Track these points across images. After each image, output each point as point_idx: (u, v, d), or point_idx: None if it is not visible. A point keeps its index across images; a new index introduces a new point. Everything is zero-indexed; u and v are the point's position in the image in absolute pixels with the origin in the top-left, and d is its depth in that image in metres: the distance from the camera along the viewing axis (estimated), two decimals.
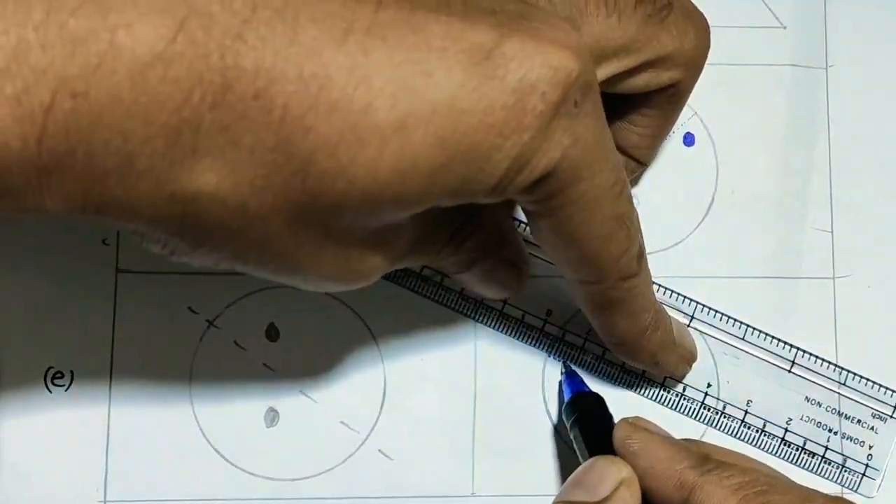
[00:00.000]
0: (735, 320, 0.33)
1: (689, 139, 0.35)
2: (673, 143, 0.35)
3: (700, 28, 0.29)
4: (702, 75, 0.34)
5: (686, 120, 0.35)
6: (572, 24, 0.26)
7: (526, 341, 0.33)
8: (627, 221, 0.26)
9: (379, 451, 0.32)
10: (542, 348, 0.33)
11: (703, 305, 0.33)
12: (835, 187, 0.34)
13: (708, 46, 0.30)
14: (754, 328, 0.33)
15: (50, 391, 0.32)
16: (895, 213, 0.34)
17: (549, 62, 0.22)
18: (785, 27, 0.35)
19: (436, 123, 0.21)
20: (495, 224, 0.29)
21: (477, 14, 0.22)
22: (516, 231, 0.31)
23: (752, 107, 0.35)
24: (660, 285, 0.33)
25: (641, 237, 0.27)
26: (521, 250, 0.30)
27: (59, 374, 0.32)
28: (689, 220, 0.34)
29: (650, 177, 0.34)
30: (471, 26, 0.21)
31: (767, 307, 0.33)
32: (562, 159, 0.23)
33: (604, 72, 0.28)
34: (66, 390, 0.32)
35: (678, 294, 0.33)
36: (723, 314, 0.33)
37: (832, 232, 0.34)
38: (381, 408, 0.33)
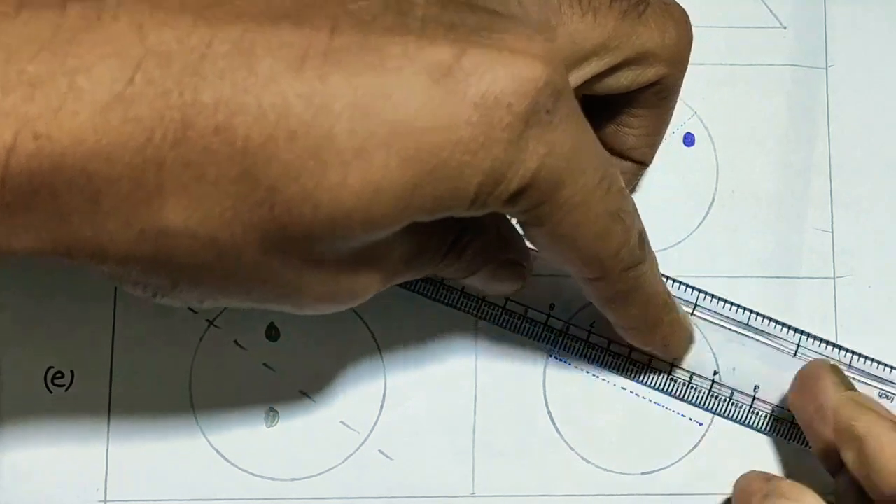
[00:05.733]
0: (738, 306, 0.33)
1: (689, 139, 0.35)
2: (673, 143, 0.35)
3: (679, 21, 0.29)
4: (702, 75, 0.35)
5: (686, 120, 0.35)
6: (545, 28, 0.26)
7: (529, 336, 0.33)
8: (622, 214, 0.25)
9: (379, 451, 0.32)
10: (546, 342, 0.33)
11: (706, 293, 0.33)
12: (835, 187, 0.34)
13: (690, 39, 0.29)
14: (758, 313, 0.33)
15: (50, 391, 0.32)
16: (895, 213, 0.34)
17: (512, 73, 0.21)
18: (785, 27, 0.35)
19: (397, 145, 0.21)
20: (495, 229, 0.29)
21: (435, 30, 0.21)
22: (516, 231, 0.31)
23: (752, 107, 0.35)
24: (663, 275, 0.33)
25: (641, 222, 0.27)
26: (522, 250, 0.30)
27: (59, 374, 0.32)
28: (689, 220, 0.34)
29: (650, 177, 0.34)
30: (429, 43, 0.21)
31: (767, 307, 0.33)
32: (539, 169, 0.22)
33: (585, 72, 0.27)
34: (66, 390, 0.32)
35: (680, 283, 0.33)
36: (726, 301, 0.33)
37: (832, 232, 0.34)
38: (381, 408, 0.33)
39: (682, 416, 0.33)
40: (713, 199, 0.34)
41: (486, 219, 0.28)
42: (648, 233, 0.34)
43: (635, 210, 0.26)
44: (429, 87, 0.21)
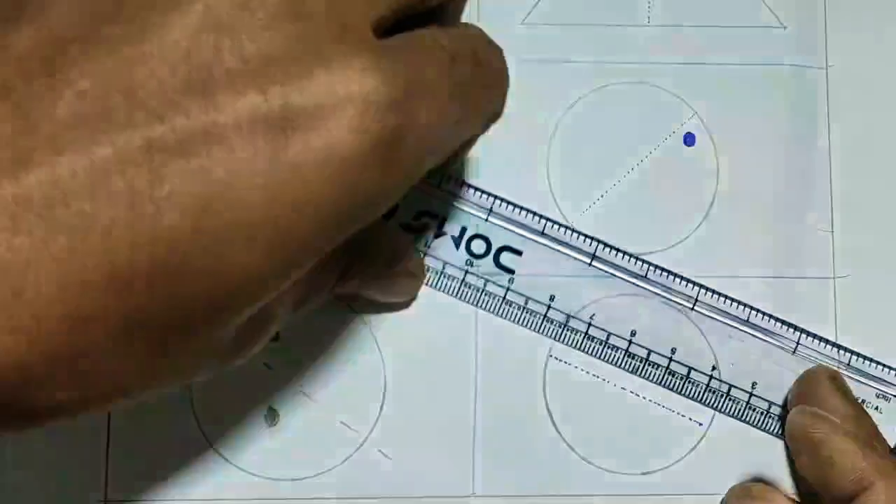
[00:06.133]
0: (738, 302, 0.33)
1: (689, 139, 0.35)
2: (673, 143, 0.35)
3: None
4: (702, 75, 0.35)
5: (686, 120, 0.35)
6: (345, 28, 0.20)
7: (529, 327, 0.33)
8: (464, 89, 0.22)
9: (379, 451, 0.32)
10: (546, 334, 0.33)
11: (706, 288, 0.33)
12: (835, 187, 0.34)
13: None
14: (758, 310, 0.33)
15: None
16: (895, 213, 0.34)
17: (348, 114, 0.19)
18: (785, 27, 0.35)
19: (251, 241, 0.19)
20: (387, 249, 0.30)
21: (245, 87, 0.18)
22: (410, 245, 0.32)
23: (752, 107, 0.35)
24: (663, 269, 0.33)
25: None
26: (415, 264, 0.31)
27: None
28: (689, 220, 0.34)
29: (650, 177, 0.34)
30: (242, 113, 0.18)
31: (767, 307, 0.33)
32: (413, 169, 0.21)
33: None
34: None
35: (680, 277, 0.33)
36: (726, 296, 0.33)
37: (832, 232, 0.34)
38: (381, 408, 0.33)
39: (682, 416, 0.33)
40: (713, 199, 0.34)
41: (377, 244, 0.29)
42: (648, 233, 0.34)
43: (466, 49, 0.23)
44: (261, 163, 0.18)
